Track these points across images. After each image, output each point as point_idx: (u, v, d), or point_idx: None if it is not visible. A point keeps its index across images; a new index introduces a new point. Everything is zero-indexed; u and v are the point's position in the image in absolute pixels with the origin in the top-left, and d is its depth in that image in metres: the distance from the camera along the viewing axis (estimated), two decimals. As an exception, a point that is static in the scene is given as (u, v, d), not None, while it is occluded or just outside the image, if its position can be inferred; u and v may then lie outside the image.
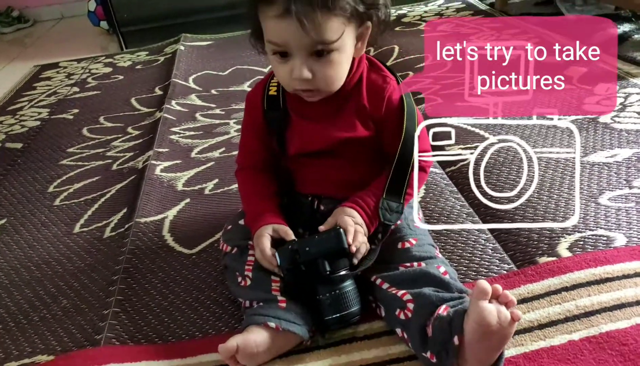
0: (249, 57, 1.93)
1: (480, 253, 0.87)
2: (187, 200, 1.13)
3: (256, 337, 0.68)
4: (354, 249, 0.72)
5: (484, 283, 0.59)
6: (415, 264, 0.74)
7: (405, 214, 0.81)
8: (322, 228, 0.76)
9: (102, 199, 1.19)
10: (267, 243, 0.75)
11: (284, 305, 0.72)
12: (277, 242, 0.76)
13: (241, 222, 0.85)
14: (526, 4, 2.19)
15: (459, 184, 1.06)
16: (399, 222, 0.80)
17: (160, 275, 0.91)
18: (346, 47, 0.73)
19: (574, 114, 1.25)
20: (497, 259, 0.85)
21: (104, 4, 2.31)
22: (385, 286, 0.73)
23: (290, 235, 0.76)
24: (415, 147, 0.75)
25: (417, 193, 0.82)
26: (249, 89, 1.63)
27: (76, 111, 1.73)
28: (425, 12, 2.27)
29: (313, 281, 0.71)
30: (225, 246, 0.84)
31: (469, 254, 0.86)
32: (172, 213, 1.09)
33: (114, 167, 1.33)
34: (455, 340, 0.61)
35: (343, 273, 0.71)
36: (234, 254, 0.82)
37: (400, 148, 0.77)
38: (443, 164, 1.12)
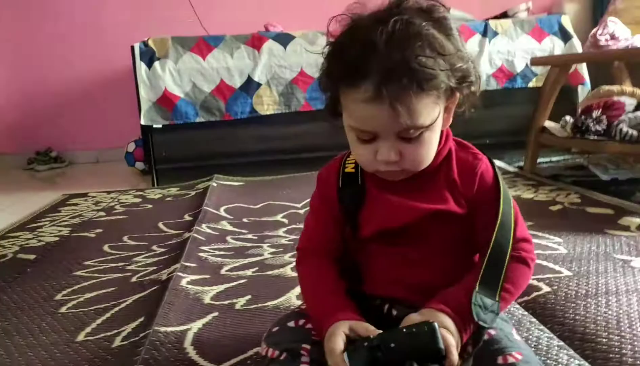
0: (282, 196, 1.90)
1: (590, 389, 0.68)
2: (215, 314, 0.97)
3: None
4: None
5: None
6: None
7: (500, 326, 0.66)
8: (403, 325, 0.60)
9: (116, 309, 1.03)
10: (340, 342, 0.59)
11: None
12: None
13: (291, 324, 0.70)
14: (556, 168, 2.23)
15: (537, 315, 0.90)
16: (492, 332, 0.64)
17: (178, 392, 0.72)
18: (437, 125, 0.66)
19: (646, 256, 1.14)
20: (614, 398, 0.66)
21: (145, 144, 2.40)
22: None
23: (373, 331, 0.60)
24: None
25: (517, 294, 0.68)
26: (282, 219, 1.61)
27: (100, 230, 1.64)
28: (456, 170, 2.30)
29: None
30: (270, 350, 0.67)
31: (576, 391, 0.68)
32: (196, 325, 0.92)
33: (134, 279, 1.19)
34: None
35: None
36: (283, 360, 0.64)
37: (497, 234, 0.65)
38: (513, 294, 0.97)
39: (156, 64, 2.28)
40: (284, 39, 2.42)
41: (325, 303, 0.67)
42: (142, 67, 2.28)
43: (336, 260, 0.74)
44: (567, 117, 2.10)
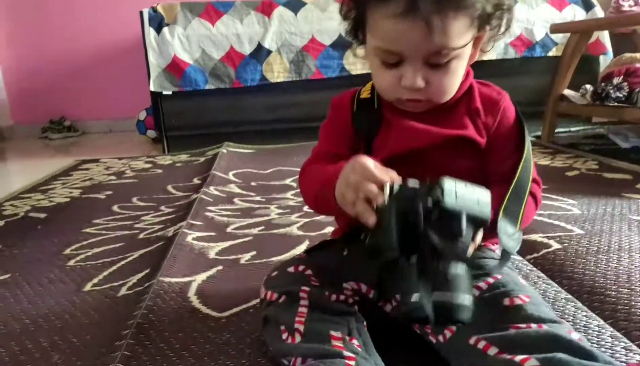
0: (292, 163, 1.89)
1: (596, 339, 0.67)
2: (220, 267, 0.97)
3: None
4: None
5: None
6: (534, 325, 0.54)
7: (506, 271, 0.64)
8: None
9: (122, 262, 1.03)
10: (372, 163, 0.56)
11: (352, 363, 0.53)
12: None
13: (290, 269, 0.69)
14: (575, 137, 2.17)
15: (546, 271, 0.88)
16: (499, 276, 0.62)
17: (180, 336, 0.72)
18: (466, 53, 0.63)
19: (663, 219, 1.10)
20: (621, 348, 0.64)
21: (155, 111, 2.39)
22: (492, 350, 0.53)
23: (393, 175, 0.57)
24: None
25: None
26: (291, 183, 1.60)
27: (109, 192, 1.65)
28: (469, 139, 2.26)
29: (428, 245, 0.50)
30: (269, 293, 0.66)
31: (582, 340, 0.66)
32: (200, 278, 0.92)
33: (141, 236, 1.19)
34: None
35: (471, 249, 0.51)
36: (282, 303, 0.64)
37: (522, 167, 0.64)
38: (521, 252, 0.95)
39: (165, 29, 2.26)
40: (295, 5, 2.37)
41: (330, 169, 0.63)
42: (150, 32, 2.25)
43: None
44: (588, 86, 2.04)
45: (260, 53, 2.34)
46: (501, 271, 0.64)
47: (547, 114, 2.15)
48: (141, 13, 2.28)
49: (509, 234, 0.61)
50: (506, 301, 0.58)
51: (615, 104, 1.86)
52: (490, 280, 0.62)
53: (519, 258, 0.93)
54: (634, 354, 0.63)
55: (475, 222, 0.51)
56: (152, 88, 2.28)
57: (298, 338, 0.59)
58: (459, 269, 0.50)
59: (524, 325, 0.55)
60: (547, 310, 0.58)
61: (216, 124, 2.41)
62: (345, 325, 0.61)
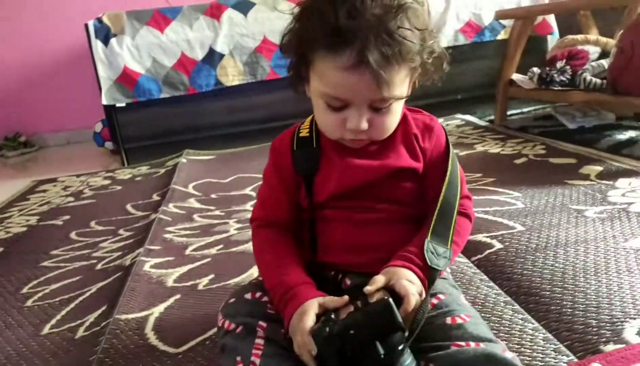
0: (253, 168, 1.90)
1: (529, 343, 0.71)
2: (178, 296, 0.98)
3: None
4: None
5: None
6: (472, 344, 0.58)
7: (449, 291, 0.69)
8: (368, 288, 0.61)
9: (80, 298, 1.04)
10: (310, 323, 0.61)
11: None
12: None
13: (247, 296, 0.71)
14: (525, 119, 2.24)
15: (488, 272, 0.93)
16: (442, 296, 0.66)
17: (136, 378, 0.74)
18: (402, 99, 0.68)
19: (601, 205, 1.16)
20: (551, 350, 0.69)
21: (110, 124, 2.36)
22: None
23: (340, 300, 0.62)
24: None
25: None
26: (251, 192, 1.61)
27: (67, 217, 1.63)
28: (426, 128, 2.30)
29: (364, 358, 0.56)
30: (227, 322, 0.68)
31: (516, 346, 0.71)
32: (158, 310, 0.93)
33: (99, 266, 1.20)
34: None
35: (400, 348, 0.56)
36: (239, 334, 0.66)
37: (445, 190, 0.69)
38: (467, 253, 1.00)
39: (113, 41, 2.21)
40: (244, 7, 2.36)
41: (285, 277, 0.68)
42: (98, 45, 2.21)
43: (291, 231, 0.75)
44: (535, 69, 2.10)
45: (212, 57, 2.32)
46: (444, 290, 0.68)
47: (498, 99, 2.20)
48: (86, 26, 2.23)
49: (438, 254, 0.66)
50: (448, 320, 0.63)
51: (560, 87, 1.92)
52: (435, 301, 0.66)
53: (465, 260, 0.98)
54: (562, 355, 0.68)
55: (391, 331, 0.56)
56: (104, 102, 2.24)
57: (254, 370, 0.61)
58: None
59: (463, 343, 0.59)
60: (485, 329, 0.62)
61: (174, 132, 2.39)
62: (298, 360, 0.63)
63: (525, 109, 2.45)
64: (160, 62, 2.27)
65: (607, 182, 1.32)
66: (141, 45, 2.25)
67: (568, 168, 1.47)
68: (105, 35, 2.22)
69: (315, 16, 0.63)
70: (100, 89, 2.24)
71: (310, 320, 0.61)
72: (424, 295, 0.63)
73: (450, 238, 0.68)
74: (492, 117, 2.31)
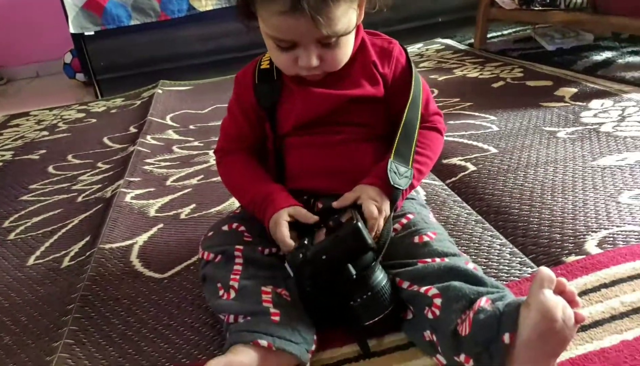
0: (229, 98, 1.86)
1: (497, 257, 0.75)
2: (160, 225, 1.00)
3: (243, 358, 0.55)
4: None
5: (548, 270, 0.48)
6: (437, 259, 0.62)
7: (418, 210, 0.71)
8: (335, 204, 0.65)
9: (63, 230, 1.05)
10: (286, 231, 0.64)
11: (277, 318, 0.59)
12: (298, 227, 0.66)
13: (224, 228, 0.73)
14: (505, 42, 2.21)
15: (462, 193, 0.96)
16: (411, 216, 0.69)
17: (124, 302, 0.77)
18: (352, 31, 0.67)
19: (573, 126, 1.19)
20: (517, 263, 0.74)
21: (80, 54, 2.26)
22: (405, 284, 0.61)
23: (311, 217, 0.66)
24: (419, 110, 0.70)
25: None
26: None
27: (43, 151, 1.61)
28: (406, 53, 2.27)
29: (337, 288, 0.59)
30: (206, 253, 0.71)
31: (484, 260, 0.75)
32: (142, 239, 0.95)
33: (79, 199, 1.20)
34: (506, 337, 0.48)
35: (372, 266, 0.59)
36: (218, 262, 0.69)
37: (407, 111, 0.70)
38: (442, 176, 1.03)
39: (75, -37, 2.08)
40: None
41: (258, 191, 0.71)
42: (60, -32, 2.07)
43: (256, 155, 0.76)
44: (516, -12, 2.05)
45: (183, -20, 2.20)
46: (413, 210, 0.71)
47: (478, 20, 2.16)
48: (44, -54, 2.08)
49: (400, 173, 0.68)
50: (416, 239, 0.66)
51: (540, 7, 1.89)
52: (404, 221, 0.69)
53: (440, 182, 1.01)
54: (527, 267, 0.72)
55: (360, 253, 0.59)
56: (71, 30, 2.14)
57: (233, 294, 0.64)
58: (378, 285, 0.58)
59: (429, 260, 0.63)
60: (450, 245, 0.66)
61: (148, 62, 2.31)
62: (276, 277, 0.67)
63: (505, 32, 2.41)
64: (127, -14, 2.15)
65: (581, 103, 1.34)
66: (106, -32, 2.12)
67: (544, 91, 1.49)
68: (66, -43, 2.08)
69: None
70: (67, 16, 2.13)
71: (284, 229, 0.65)
72: (387, 211, 0.66)
73: (411, 157, 0.70)
74: (472, 41, 2.27)
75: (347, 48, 0.68)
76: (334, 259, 0.58)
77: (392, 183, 0.66)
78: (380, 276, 0.59)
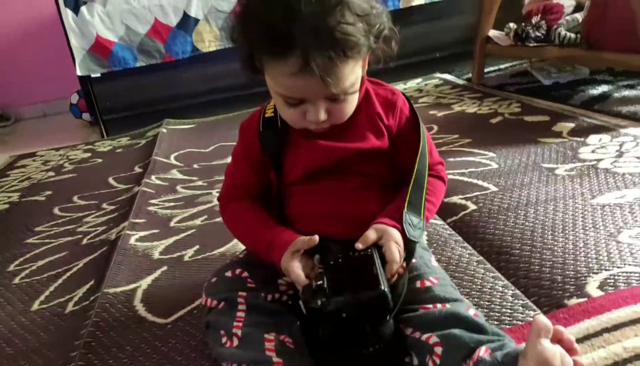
0: (233, 136, 1.89)
1: (499, 300, 0.76)
2: (164, 268, 1.01)
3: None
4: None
5: (544, 319, 0.49)
6: (439, 305, 0.62)
7: (420, 254, 0.72)
8: (359, 246, 0.64)
9: (68, 274, 1.06)
10: (299, 272, 0.64)
11: (280, 367, 0.59)
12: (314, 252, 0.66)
13: (228, 274, 0.74)
14: (502, 77, 2.25)
15: (463, 233, 0.97)
16: (413, 260, 0.70)
17: (128, 349, 0.77)
18: (358, 88, 0.69)
19: (571, 163, 1.20)
20: (519, 305, 0.74)
21: (87, 95, 2.32)
22: (408, 330, 0.61)
23: (313, 240, 0.66)
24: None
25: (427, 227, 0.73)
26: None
27: (49, 192, 1.63)
28: (405, 89, 2.31)
29: (350, 338, 0.59)
30: (209, 300, 0.71)
31: (487, 303, 0.75)
32: (146, 282, 0.96)
33: (84, 241, 1.21)
34: None
35: (388, 322, 0.59)
36: (221, 309, 0.69)
37: (419, 163, 0.71)
38: (443, 215, 1.04)
39: (83, 9, 2.15)
40: (217, -32, 2.29)
41: (265, 236, 0.71)
42: (68, 14, 2.14)
43: (260, 201, 0.77)
44: (511, 24, 2.10)
45: (187, 23, 2.27)
46: (416, 253, 0.72)
47: (475, 56, 2.21)
48: (54, -6, 2.15)
49: (414, 225, 0.68)
50: (418, 284, 0.67)
51: (535, 43, 1.93)
52: (405, 265, 0.69)
53: (441, 222, 1.02)
54: (529, 310, 0.72)
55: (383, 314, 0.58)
56: (79, 72, 2.20)
57: (236, 342, 0.64)
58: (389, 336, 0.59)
59: (431, 305, 0.63)
60: (452, 290, 0.67)
61: (153, 102, 2.36)
62: (279, 324, 0.67)
63: (502, 66, 2.45)
64: (133, 29, 2.22)
65: (579, 139, 1.35)
66: (112, 13, 2.19)
67: (542, 126, 1.51)
68: (75, 3, 2.15)
69: (254, 19, 0.63)
70: (73, 59, 2.19)
71: (296, 269, 0.64)
72: (403, 255, 0.66)
73: (422, 208, 0.71)
74: (470, 75, 2.32)
75: (354, 101, 0.70)
76: (354, 317, 0.58)
77: (408, 236, 0.66)
78: (392, 327, 0.59)
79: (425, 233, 0.97)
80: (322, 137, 0.72)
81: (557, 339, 0.49)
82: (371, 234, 0.66)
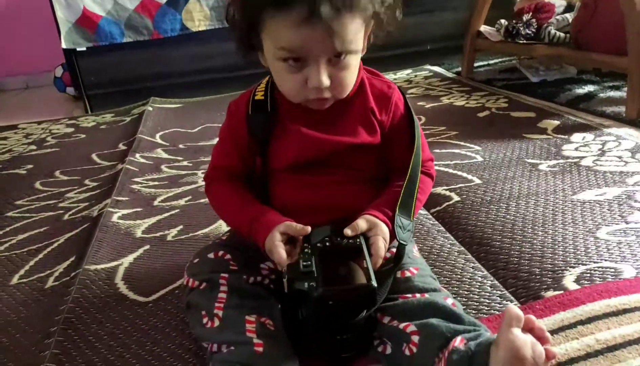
0: (220, 117, 1.88)
1: (478, 290, 0.77)
2: (147, 247, 1.00)
3: (224, 388, 0.55)
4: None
5: (515, 309, 0.50)
6: (417, 295, 0.63)
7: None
8: (348, 232, 0.64)
9: (48, 249, 1.05)
10: (282, 253, 0.63)
11: (260, 349, 0.60)
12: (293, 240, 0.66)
13: (210, 255, 0.74)
14: (491, 72, 2.27)
15: (446, 223, 0.98)
16: (395, 250, 0.70)
17: (108, 326, 0.77)
18: (359, 52, 0.68)
19: (554, 159, 1.22)
20: (497, 296, 0.75)
21: (71, 69, 2.27)
22: (386, 319, 0.62)
23: (302, 229, 0.65)
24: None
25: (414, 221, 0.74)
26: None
27: (30, 166, 1.60)
28: (395, 79, 2.31)
29: (329, 324, 0.60)
30: (191, 281, 0.71)
31: (465, 292, 0.77)
32: (127, 260, 0.96)
33: (66, 217, 1.20)
34: None
35: (364, 314, 0.60)
36: (202, 289, 0.69)
37: (413, 161, 0.71)
38: (427, 205, 1.05)
39: (70, -20, 2.10)
40: (210, -55, 2.25)
41: (247, 213, 0.70)
42: (54, -16, 2.09)
43: (245, 183, 0.77)
44: (502, 21, 2.11)
45: (177, 1, 2.23)
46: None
47: (466, 51, 2.22)
48: (40, -38, 2.10)
49: (404, 227, 0.68)
50: (398, 274, 0.67)
51: (525, 41, 1.95)
52: (388, 255, 0.70)
53: (425, 212, 1.03)
54: (507, 301, 0.74)
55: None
56: (64, 45, 2.15)
57: (217, 323, 0.64)
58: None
59: (410, 295, 0.64)
60: (431, 280, 0.67)
61: (139, 79, 2.33)
62: (261, 307, 0.67)
63: (491, 61, 2.47)
64: (121, 4, 2.18)
65: (563, 136, 1.38)
66: (101, -15, 2.14)
67: (527, 122, 1.53)
68: (61, -27, 2.10)
69: None
70: (59, 31, 2.14)
71: (280, 249, 0.63)
72: (382, 255, 0.65)
73: (413, 208, 0.70)
74: (460, 69, 2.33)
75: (354, 71, 0.68)
76: (339, 307, 0.58)
77: (398, 239, 0.67)
78: (368, 318, 0.60)
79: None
80: (312, 127, 0.71)
81: (529, 328, 0.50)
82: (362, 224, 0.66)
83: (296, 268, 0.61)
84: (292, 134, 0.71)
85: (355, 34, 0.64)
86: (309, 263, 0.60)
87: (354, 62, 0.67)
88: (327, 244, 0.63)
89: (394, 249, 0.71)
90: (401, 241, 0.67)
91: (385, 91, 0.75)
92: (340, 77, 0.66)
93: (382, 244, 0.64)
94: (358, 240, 0.64)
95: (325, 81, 0.64)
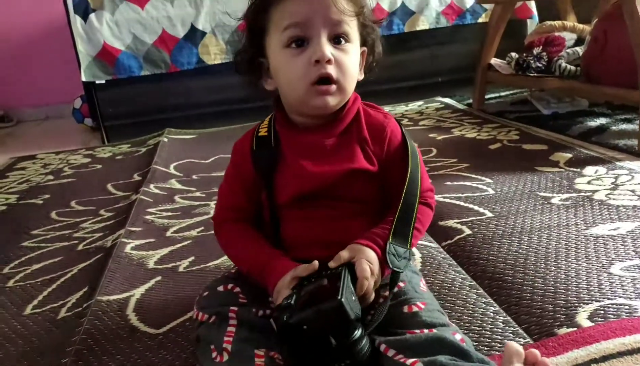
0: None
1: (490, 326, 0.76)
2: (158, 278, 1.01)
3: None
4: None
5: (515, 345, 0.49)
6: (425, 330, 0.63)
7: (409, 278, 0.73)
8: (332, 264, 0.66)
9: (62, 279, 1.06)
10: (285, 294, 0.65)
11: (269, 383, 0.60)
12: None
13: (220, 288, 0.74)
14: (502, 104, 2.28)
15: (457, 257, 0.97)
16: (402, 284, 0.70)
17: (118, 358, 0.77)
18: (356, 47, 0.72)
19: (567, 193, 1.22)
20: (510, 332, 0.74)
21: (90, 101, 2.34)
22: (390, 353, 0.61)
23: (313, 266, 0.66)
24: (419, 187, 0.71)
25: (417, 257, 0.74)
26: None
27: (47, 196, 1.64)
28: (406, 110, 2.34)
29: (319, 352, 0.60)
30: (200, 314, 0.71)
31: (477, 328, 0.76)
32: (139, 292, 0.96)
33: (80, 247, 1.21)
34: None
35: (355, 338, 0.59)
36: (212, 323, 0.69)
37: (406, 191, 0.72)
38: (438, 238, 1.05)
39: (92, 16, 2.18)
40: (226, -17, 2.33)
41: (260, 258, 0.72)
42: (77, 20, 2.17)
43: (253, 223, 0.78)
44: (513, 54, 2.13)
45: (194, 35, 2.30)
46: (405, 277, 0.72)
47: (477, 83, 2.24)
48: (65, 0, 2.18)
49: (399, 254, 0.69)
50: (405, 309, 0.67)
51: (536, 74, 1.97)
52: (395, 289, 0.70)
53: (436, 245, 1.03)
54: (519, 338, 0.73)
55: (346, 325, 0.59)
56: (83, 78, 2.22)
57: (226, 357, 0.64)
58: (361, 351, 0.60)
59: (417, 330, 0.63)
60: (439, 315, 0.67)
61: (155, 110, 2.38)
62: (270, 340, 0.66)
63: (503, 93, 2.49)
64: (140, 38, 2.25)
65: (575, 169, 1.37)
66: (121, 21, 2.22)
67: (539, 155, 1.53)
68: (84, 10, 2.18)
69: None
70: (79, 64, 2.21)
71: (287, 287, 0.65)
72: (377, 274, 0.67)
73: (410, 237, 0.71)
74: (471, 101, 2.35)
75: (354, 60, 0.71)
76: (314, 330, 0.59)
77: (391, 267, 0.67)
78: (365, 347, 0.60)
79: (420, 255, 0.98)
80: (312, 159, 0.72)
81: (531, 363, 0.49)
82: (344, 254, 0.67)
83: (279, 306, 0.63)
84: (293, 167, 0.73)
85: (351, 20, 0.69)
86: (290, 300, 0.61)
87: (352, 52, 0.71)
88: (312, 279, 0.65)
89: (401, 284, 0.70)
90: (395, 269, 0.67)
91: (381, 121, 0.76)
92: (342, 59, 0.69)
93: (365, 266, 0.65)
94: (340, 268, 0.65)
95: (328, 52, 0.68)
